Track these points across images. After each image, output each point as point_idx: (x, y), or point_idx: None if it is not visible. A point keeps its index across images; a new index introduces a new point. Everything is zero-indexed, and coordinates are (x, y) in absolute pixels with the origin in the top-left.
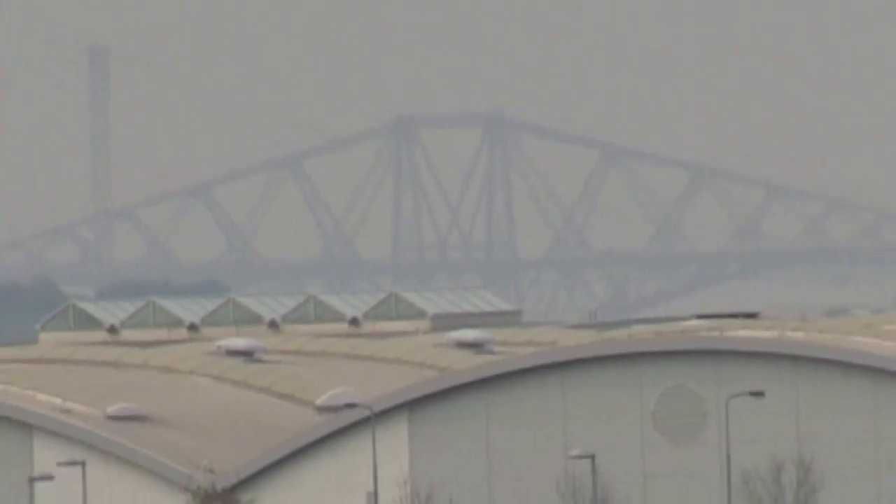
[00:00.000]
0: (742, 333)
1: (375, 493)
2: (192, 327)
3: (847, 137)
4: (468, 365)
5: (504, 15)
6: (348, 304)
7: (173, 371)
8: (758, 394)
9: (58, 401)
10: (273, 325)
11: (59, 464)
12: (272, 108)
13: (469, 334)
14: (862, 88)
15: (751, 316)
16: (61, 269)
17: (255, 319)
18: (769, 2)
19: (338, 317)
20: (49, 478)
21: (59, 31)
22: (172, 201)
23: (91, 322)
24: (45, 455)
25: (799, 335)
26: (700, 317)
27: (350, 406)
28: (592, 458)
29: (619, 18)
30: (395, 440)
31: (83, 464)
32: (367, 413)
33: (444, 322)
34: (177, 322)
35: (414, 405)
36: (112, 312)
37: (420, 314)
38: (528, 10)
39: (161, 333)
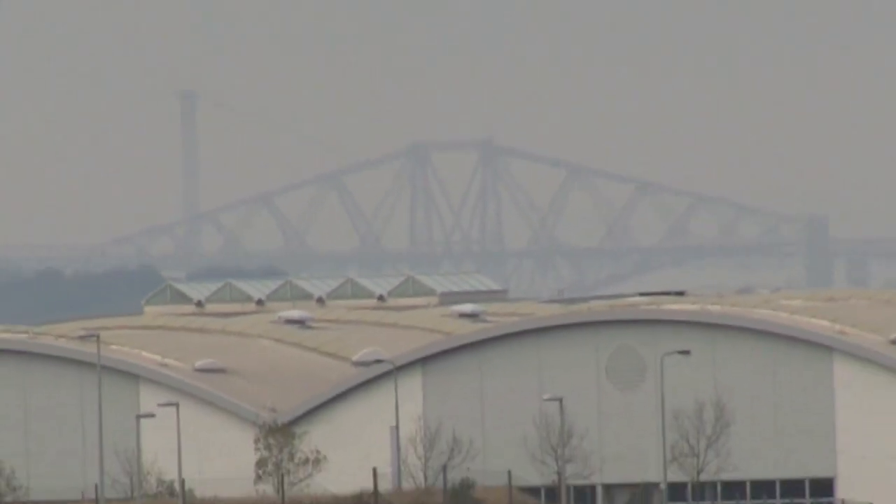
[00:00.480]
0: (673, 307)
1: (397, 427)
2: (259, 302)
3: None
4: (467, 330)
5: (493, 65)
6: (377, 284)
7: (245, 335)
8: (684, 352)
9: (158, 357)
10: (320, 300)
11: (159, 405)
12: (321, 137)
13: (467, 307)
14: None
15: (679, 294)
16: (160, 258)
17: (306, 296)
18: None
19: (368, 294)
20: (151, 415)
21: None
22: (244, 207)
23: (183, 298)
24: (148, 398)
25: (716, 308)
26: (642, 294)
27: (378, 361)
28: (560, 400)
29: (578, 70)
30: (411, 388)
31: (177, 405)
32: (390, 367)
33: (449, 298)
34: (247, 298)
35: (426, 361)
36: (199, 291)
37: (431, 292)
38: (513, 65)
39: (236, 307)
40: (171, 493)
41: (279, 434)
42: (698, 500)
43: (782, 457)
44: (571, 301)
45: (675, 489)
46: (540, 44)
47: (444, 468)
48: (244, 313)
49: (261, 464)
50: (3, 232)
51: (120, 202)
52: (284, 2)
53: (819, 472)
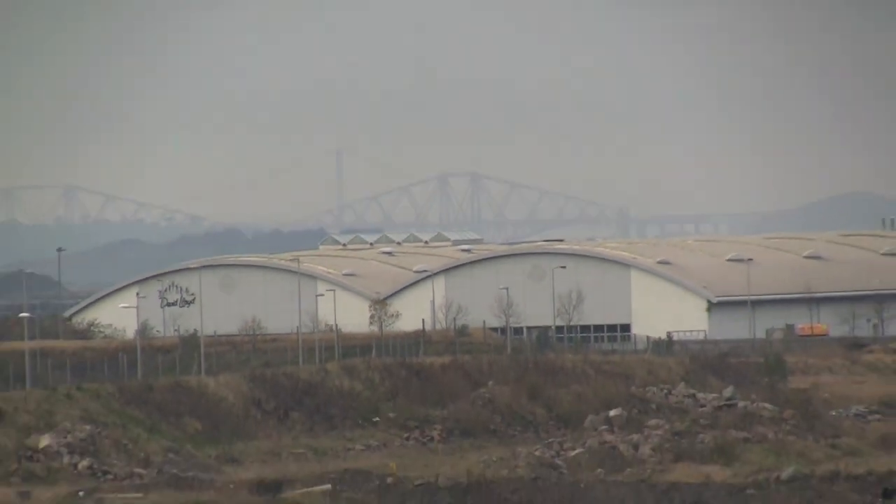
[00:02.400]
0: (558, 245)
1: (433, 301)
2: (371, 244)
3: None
4: (464, 257)
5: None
6: (423, 236)
7: (364, 259)
8: (563, 266)
9: (325, 268)
10: (398, 244)
11: (326, 290)
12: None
13: (465, 246)
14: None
15: (560, 241)
16: (328, 224)
17: (391, 241)
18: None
19: (419, 240)
20: (321, 295)
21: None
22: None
23: (336, 243)
24: (321, 288)
25: (577, 246)
26: (545, 241)
27: (424, 271)
28: (507, 289)
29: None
30: (439, 283)
31: (334, 291)
32: (430, 273)
33: (457, 242)
34: (364, 242)
35: (447, 271)
36: (343, 239)
37: (448, 239)
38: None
39: (360, 246)
40: (330, 329)
41: (379, 304)
42: (568, 334)
43: (607, 315)
44: (514, 243)
45: (559, 329)
46: None
47: (454, 320)
48: (363, 249)
49: (371, 317)
50: (249, 206)
51: (310, 193)
52: None
53: (623, 321)
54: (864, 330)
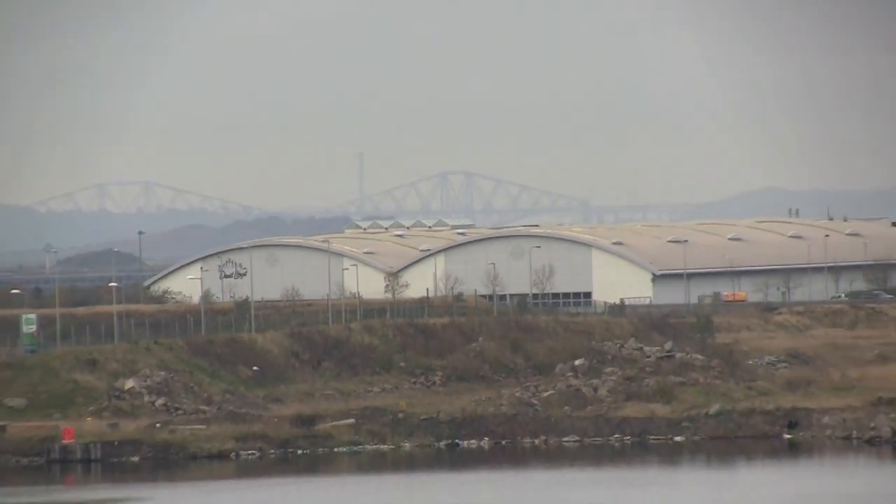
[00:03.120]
0: (533, 230)
1: (435, 275)
2: (385, 228)
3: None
4: (460, 239)
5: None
6: (427, 222)
7: (379, 240)
8: (537, 246)
9: (349, 248)
10: (408, 228)
11: (350, 265)
12: None
13: (461, 230)
14: None
15: (536, 226)
16: (352, 212)
17: (400, 226)
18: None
19: (423, 226)
20: (346, 269)
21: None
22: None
23: (358, 227)
24: (347, 263)
25: (547, 230)
26: (524, 226)
27: (427, 250)
28: (493, 264)
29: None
30: (440, 260)
31: (357, 265)
32: (432, 252)
33: (455, 227)
34: (381, 226)
35: (446, 251)
36: (364, 224)
37: (446, 224)
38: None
39: (376, 230)
40: (353, 296)
41: (392, 276)
42: (542, 300)
43: (572, 285)
44: (500, 228)
45: (535, 296)
46: None
47: (452, 289)
48: (380, 232)
49: (386, 287)
50: (289, 198)
51: (338, 187)
52: None
53: (586, 289)
54: (775, 296)
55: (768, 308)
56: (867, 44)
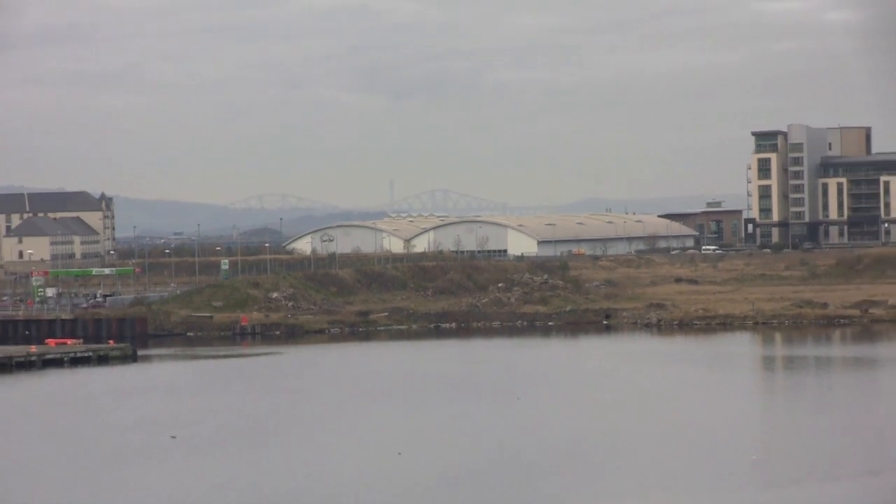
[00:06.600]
0: (479, 219)
1: (429, 242)
2: (397, 217)
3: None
4: (442, 223)
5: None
6: (428, 213)
7: (401, 224)
8: (480, 226)
9: (383, 227)
10: (415, 217)
11: (383, 238)
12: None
13: (443, 219)
14: None
15: (479, 216)
16: (386, 210)
17: (407, 215)
18: None
19: (421, 216)
20: (385, 237)
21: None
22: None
23: (389, 217)
24: (382, 238)
25: (490, 219)
26: (474, 216)
27: (425, 228)
28: (459, 236)
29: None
30: (432, 235)
31: (389, 238)
32: (427, 229)
33: (442, 217)
34: (400, 217)
35: (436, 229)
36: (393, 215)
37: (436, 216)
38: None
39: (394, 217)
40: (387, 251)
41: (407, 241)
42: (484, 254)
43: (498, 245)
44: (461, 217)
45: (479, 252)
46: None
47: (439, 249)
48: (401, 219)
49: (404, 247)
50: (344, 201)
51: (378, 197)
52: None
53: (504, 248)
54: (600, 251)
55: (595, 258)
56: None
